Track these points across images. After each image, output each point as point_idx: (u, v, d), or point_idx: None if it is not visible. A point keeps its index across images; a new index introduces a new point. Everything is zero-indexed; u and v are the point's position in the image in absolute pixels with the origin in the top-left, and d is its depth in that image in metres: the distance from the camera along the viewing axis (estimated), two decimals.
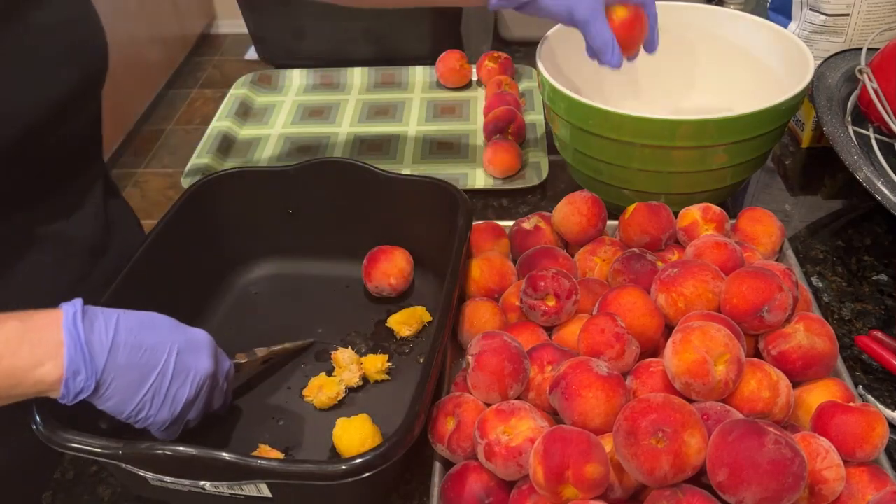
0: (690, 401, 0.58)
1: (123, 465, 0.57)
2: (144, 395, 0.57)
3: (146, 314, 0.60)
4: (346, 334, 0.80)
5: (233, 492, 0.58)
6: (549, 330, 0.72)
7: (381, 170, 0.81)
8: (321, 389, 0.72)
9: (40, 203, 0.71)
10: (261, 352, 0.74)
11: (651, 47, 0.80)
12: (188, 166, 1.05)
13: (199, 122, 3.07)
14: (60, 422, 0.57)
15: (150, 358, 0.57)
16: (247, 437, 0.70)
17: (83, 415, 0.61)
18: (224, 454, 0.54)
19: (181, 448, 0.54)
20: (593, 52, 0.78)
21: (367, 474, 0.54)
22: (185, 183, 1.02)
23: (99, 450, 0.56)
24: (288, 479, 0.55)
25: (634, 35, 0.78)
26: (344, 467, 0.53)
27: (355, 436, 0.65)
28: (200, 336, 0.62)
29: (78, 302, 0.56)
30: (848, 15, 1.06)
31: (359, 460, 0.53)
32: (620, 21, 0.77)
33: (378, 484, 0.61)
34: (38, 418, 0.57)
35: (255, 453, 0.66)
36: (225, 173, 0.84)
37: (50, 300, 0.57)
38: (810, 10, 1.09)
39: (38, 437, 0.57)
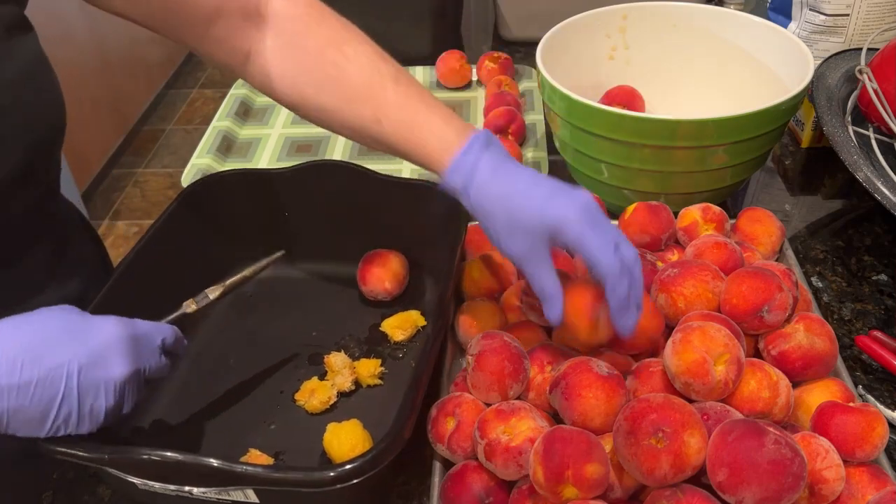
0: (690, 401, 0.58)
1: (111, 471, 0.56)
2: (53, 422, 0.52)
3: (31, 332, 0.52)
4: (340, 338, 0.80)
5: (220, 497, 0.57)
6: (549, 330, 0.72)
7: (376, 173, 0.81)
8: (313, 394, 0.72)
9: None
10: (213, 291, 0.68)
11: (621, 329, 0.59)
12: (188, 166, 1.05)
13: (199, 122, 3.07)
14: None
15: (45, 391, 0.51)
16: (237, 441, 0.69)
17: None
18: (211, 460, 0.54)
19: (168, 454, 0.54)
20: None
21: (355, 480, 0.53)
22: (185, 183, 1.02)
23: (85, 455, 0.55)
24: (275, 486, 0.55)
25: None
26: (332, 474, 0.53)
27: (346, 441, 0.65)
28: (106, 338, 0.54)
29: None
30: (848, 15, 1.06)
31: (347, 466, 0.53)
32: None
33: (368, 489, 0.60)
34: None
35: (245, 458, 0.66)
36: (220, 175, 0.83)
37: None
38: (810, 10, 1.09)
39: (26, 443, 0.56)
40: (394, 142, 0.65)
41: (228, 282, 0.70)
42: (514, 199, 0.58)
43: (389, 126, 0.64)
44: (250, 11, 0.66)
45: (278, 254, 0.74)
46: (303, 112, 0.70)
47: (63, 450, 0.56)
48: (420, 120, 0.64)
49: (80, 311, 0.56)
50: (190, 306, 0.67)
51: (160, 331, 0.61)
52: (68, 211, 0.82)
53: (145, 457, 0.54)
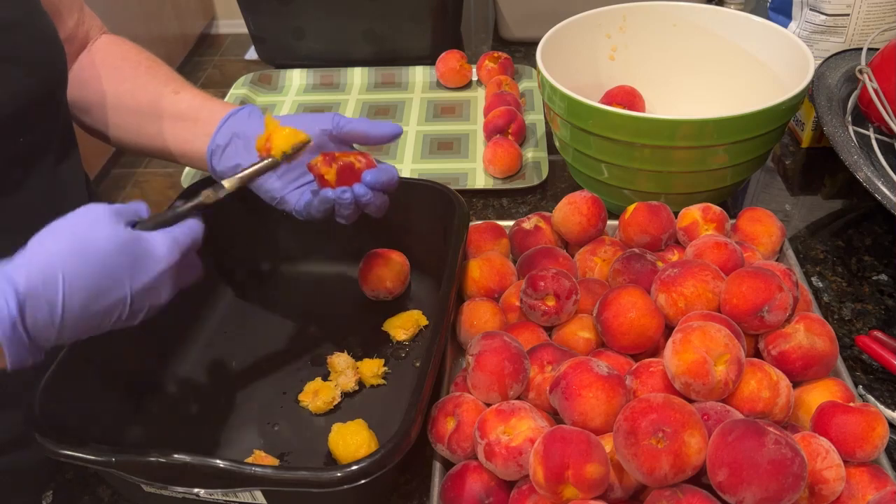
0: (690, 401, 0.58)
1: (117, 473, 0.56)
2: (103, 324, 0.54)
3: (97, 263, 0.51)
4: (342, 338, 0.80)
5: (227, 499, 0.58)
6: (549, 330, 0.72)
7: None
8: (317, 394, 0.72)
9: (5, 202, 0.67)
10: (230, 183, 0.63)
11: (367, 177, 0.68)
12: (188, 167, 1.05)
13: None
14: (53, 429, 0.57)
15: (105, 318, 0.53)
16: (242, 442, 0.69)
17: (75, 419, 0.61)
18: (218, 461, 0.54)
19: (175, 456, 0.54)
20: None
21: (362, 481, 0.53)
22: (186, 183, 1.02)
23: (92, 458, 0.55)
24: (283, 487, 0.55)
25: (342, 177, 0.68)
26: (339, 474, 0.53)
27: (351, 441, 0.65)
28: (159, 267, 0.55)
29: (11, 296, 0.48)
30: (848, 15, 1.06)
31: (354, 467, 0.53)
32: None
33: (374, 489, 0.60)
34: (33, 431, 0.57)
35: (249, 459, 0.66)
36: None
37: None
38: (810, 10, 1.09)
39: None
40: (189, 105, 0.73)
41: (244, 173, 0.64)
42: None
43: (187, 94, 0.74)
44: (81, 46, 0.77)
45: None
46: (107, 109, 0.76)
47: (70, 452, 0.56)
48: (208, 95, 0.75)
49: (131, 231, 0.55)
50: (208, 196, 0.61)
51: (194, 239, 0.59)
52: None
53: (153, 459, 0.54)
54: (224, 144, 0.69)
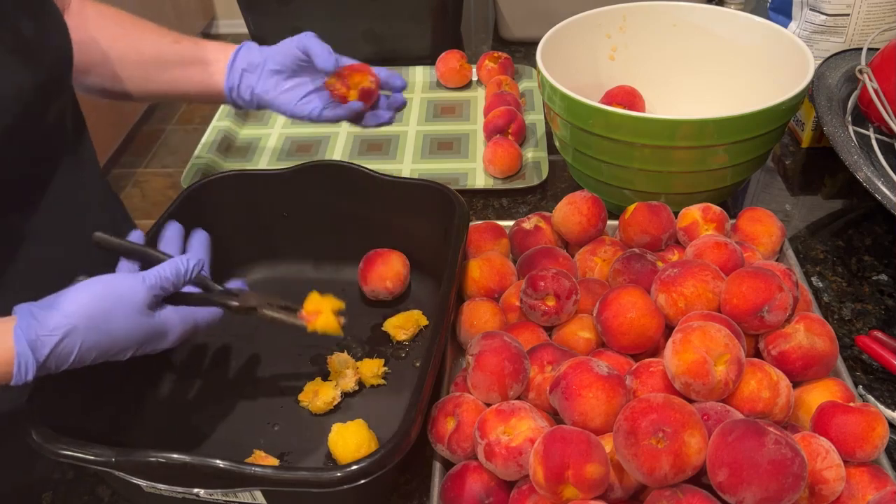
0: (690, 401, 0.58)
1: (117, 473, 0.56)
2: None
3: (114, 336, 0.58)
4: (342, 338, 0.79)
5: (227, 499, 0.57)
6: (549, 330, 0.72)
7: (376, 172, 0.81)
8: (317, 394, 0.72)
9: (32, 198, 0.71)
10: (264, 311, 0.67)
11: (397, 82, 0.84)
12: (188, 166, 1.05)
13: (199, 122, 3.06)
14: (52, 428, 0.57)
15: (110, 356, 0.59)
16: (242, 442, 0.69)
17: (74, 419, 0.61)
18: (217, 461, 0.54)
19: (175, 456, 0.54)
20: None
21: (362, 481, 0.53)
22: (185, 183, 1.02)
23: (92, 458, 0.55)
24: (282, 487, 0.55)
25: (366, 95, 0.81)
26: (339, 474, 0.53)
27: (351, 441, 0.65)
28: (163, 345, 0.62)
29: (31, 365, 0.55)
30: (848, 15, 1.06)
31: (354, 467, 0.53)
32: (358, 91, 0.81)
33: (374, 489, 0.60)
34: (30, 426, 0.57)
35: (249, 459, 0.66)
36: (219, 176, 0.83)
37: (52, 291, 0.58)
38: (810, 10, 1.09)
39: (31, 445, 0.57)
40: (192, 52, 0.84)
41: (275, 316, 0.67)
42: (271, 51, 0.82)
43: (188, 42, 0.85)
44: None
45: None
46: (115, 62, 0.83)
47: (70, 452, 0.56)
48: (201, 44, 0.86)
49: (153, 318, 0.60)
50: (238, 308, 0.66)
51: (210, 325, 0.66)
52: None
53: (153, 459, 0.54)
54: (238, 82, 0.82)
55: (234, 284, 0.69)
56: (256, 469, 0.54)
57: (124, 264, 0.65)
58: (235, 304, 0.66)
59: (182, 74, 0.84)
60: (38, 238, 0.71)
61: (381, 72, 0.82)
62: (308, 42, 0.79)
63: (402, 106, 0.85)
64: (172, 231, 0.71)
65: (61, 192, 0.73)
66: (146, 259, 0.65)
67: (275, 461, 0.67)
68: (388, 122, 0.84)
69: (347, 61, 0.80)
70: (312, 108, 0.80)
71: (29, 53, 0.66)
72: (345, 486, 0.53)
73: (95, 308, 0.56)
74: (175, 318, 0.61)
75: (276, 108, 0.82)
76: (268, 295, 0.68)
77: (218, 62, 0.83)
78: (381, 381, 0.75)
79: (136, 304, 0.58)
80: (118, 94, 0.85)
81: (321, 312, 0.68)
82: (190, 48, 0.84)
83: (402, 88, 0.84)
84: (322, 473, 0.53)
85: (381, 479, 0.55)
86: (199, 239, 0.71)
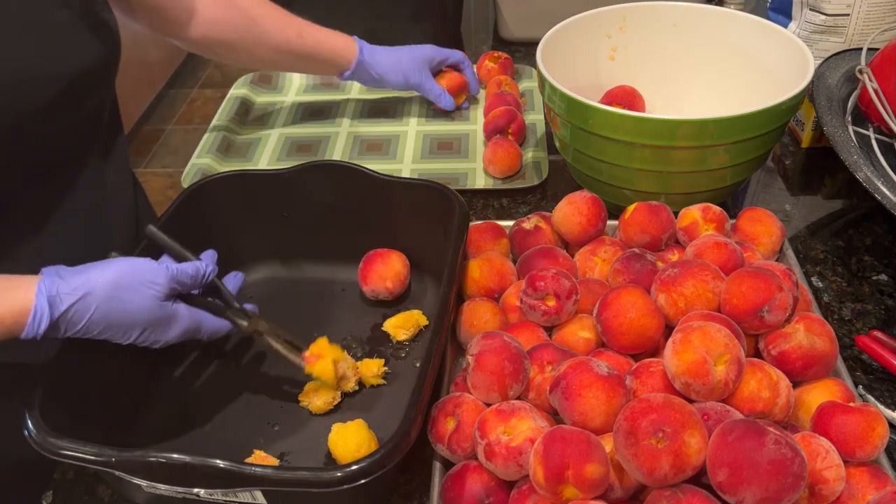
0: (690, 401, 0.58)
1: (117, 473, 0.56)
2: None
3: (134, 313, 0.61)
4: (342, 338, 0.80)
5: (227, 499, 0.58)
6: (549, 330, 0.72)
7: (376, 172, 0.81)
8: (317, 394, 0.72)
9: (56, 177, 0.73)
10: (268, 339, 0.71)
11: (472, 91, 1.17)
12: (188, 166, 1.05)
13: (199, 122, 3.06)
14: (53, 428, 0.57)
15: (116, 332, 0.62)
16: (241, 442, 0.69)
17: (75, 419, 0.61)
18: (217, 461, 0.54)
19: (174, 456, 0.54)
20: (432, 101, 1.14)
21: (362, 481, 0.53)
22: (186, 183, 1.02)
23: (92, 457, 0.55)
24: (282, 487, 0.55)
25: (457, 89, 1.14)
26: (339, 474, 0.53)
27: (351, 441, 0.65)
28: (166, 337, 0.64)
29: (45, 319, 0.57)
30: (848, 15, 1.06)
31: (354, 467, 0.53)
32: (446, 82, 1.14)
33: (374, 489, 0.60)
34: (29, 425, 0.57)
35: (249, 459, 0.66)
36: (219, 176, 0.83)
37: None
38: (810, 10, 1.09)
39: (31, 444, 0.57)
40: (315, 48, 1.03)
41: (275, 347, 0.71)
42: (400, 51, 1.10)
43: (309, 38, 1.02)
44: None
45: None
46: (239, 50, 1.00)
47: (70, 452, 0.56)
48: (327, 30, 1.05)
49: (167, 308, 0.63)
50: (245, 328, 0.70)
51: (219, 324, 0.69)
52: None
53: (152, 459, 0.54)
54: (357, 71, 1.07)
55: (250, 307, 0.72)
56: (256, 469, 0.54)
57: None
58: (245, 324, 0.69)
59: (304, 66, 1.07)
60: (56, 228, 0.73)
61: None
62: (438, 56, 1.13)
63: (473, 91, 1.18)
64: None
65: (84, 187, 0.75)
66: (175, 257, 0.70)
67: (275, 461, 0.67)
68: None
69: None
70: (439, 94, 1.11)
71: (77, 40, 0.68)
72: (345, 486, 0.53)
73: (119, 281, 0.60)
74: (185, 313, 0.65)
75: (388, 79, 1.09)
76: (277, 326, 0.71)
77: (338, 62, 1.05)
78: (381, 381, 0.75)
79: (155, 287, 0.62)
80: (249, 67, 1.13)
81: (322, 357, 0.71)
82: (311, 44, 1.02)
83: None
84: (322, 473, 0.53)
85: (381, 479, 0.55)
86: (210, 254, 0.74)
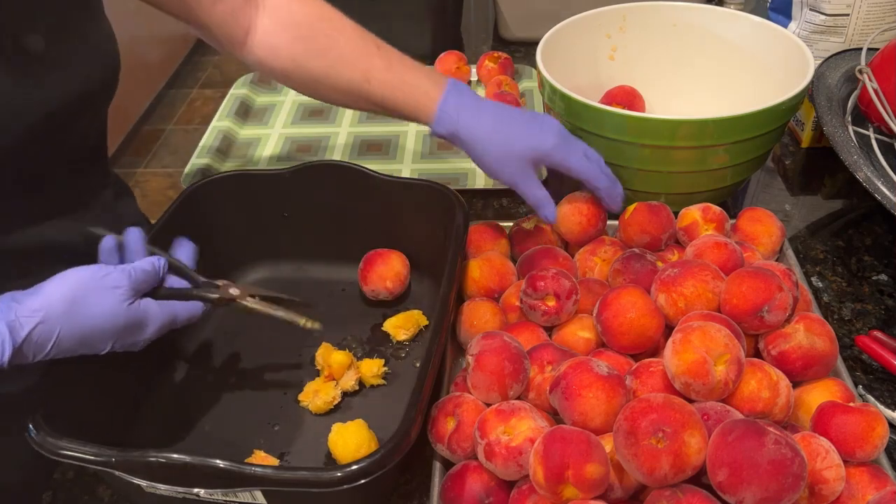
0: (690, 401, 0.58)
1: (117, 473, 0.56)
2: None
3: (91, 325, 0.57)
4: (342, 338, 0.80)
5: (227, 499, 0.57)
6: (549, 330, 0.72)
7: (376, 172, 0.81)
8: (317, 394, 0.72)
9: (43, 203, 0.71)
10: (248, 303, 0.69)
11: (614, 205, 0.80)
12: (188, 166, 1.05)
13: (199, 122, 3.06)
14: (53, 429, 0.57)
15: (88, 345, 0.59)
16: (241, 442, 0.69)
17: (74, 419, 0.61)
18: (218, 461, 0.54)
19: (175, 456, 0.54)
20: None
21: (362, 481, 0.53)
22: (186, 183, 1.02)
23: (92, 457, 0.55)
24: (283, 487, 0.55)
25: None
26: (339, 474, 0.53)
27: (351, 441, 0.65)
28: (142, 337, 0.61)
29: (8, 347, 0.54)
30: (848, 15, 1.06)
31: (354, 467, 0.53)
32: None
33: (374, 489, 0.61)
34: (30, 426, 0.57)
35: (249, 459, 0.66)
36: (219, 177, 0.83)
37: None
38: (810, 10, 1.09)
39: (31, 444, 0.57)
40: (382, 98, 0.76)
41: (256, 307, 0.69)
42: (503, 132, 0.74)
43: (377, 84, 0.75)
44: None
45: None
46: (296, 81, 0.79)
47: (70, 452, 0.56)
48: (404, 77, 0.76)
49: (130, 309, 0.60)
50: (220, 298, 0.67)
51: (189, 320, 0.65)
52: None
53: (152, 459, 0.54)
54: (442, 122, 0.75)
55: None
56: (257, 469, 0.54)
57: (105, 257, 0.65)
58: (215, 296, 0.66)
59: (383, 107, 0.77)
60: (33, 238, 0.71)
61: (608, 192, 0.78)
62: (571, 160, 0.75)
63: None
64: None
65: (61, 207, 0.72)
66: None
67: (275, 461, 0.67)
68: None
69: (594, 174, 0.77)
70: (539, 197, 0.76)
71: (70, 68, 0.65)
72: (345, 486, 0.53)
73: (76, 294, 0.57)
74: (155, 309, 0.62)
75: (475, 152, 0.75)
76: (251, 287, 0.69)
77: (425, 106, 0.75)
78: (381, 381, 0.75)
79: (117, 292, 0.58)
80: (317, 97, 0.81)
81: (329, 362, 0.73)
82: (396, 82, 0.75)
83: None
84: (322, 473, 0.53)
85: (381, 479, 0.54)
86: (183, 245, 0.71)
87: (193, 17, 0.75)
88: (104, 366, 0.67)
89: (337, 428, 0.67)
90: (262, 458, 0.66)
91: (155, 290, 0.64)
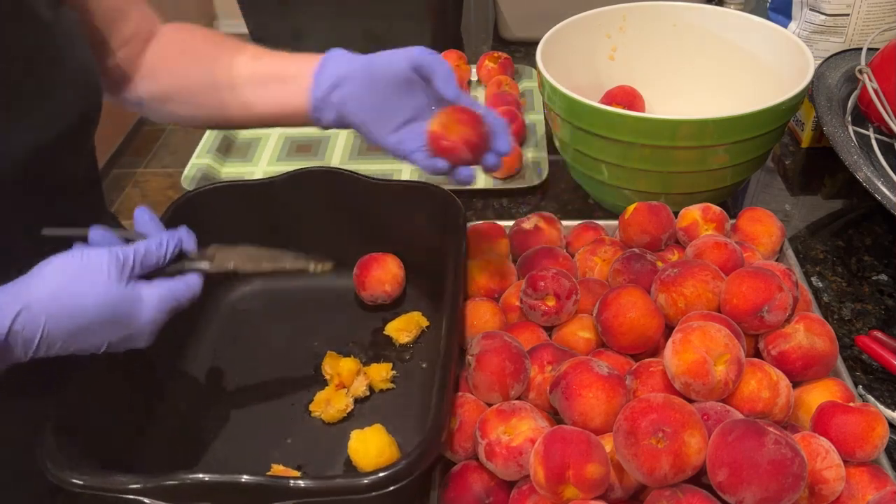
0: (690, 401, 0.58)
1: (146, 501, 0.54)
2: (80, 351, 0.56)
3: (83, 316, 0.54)
4: (345, 345, 0.79)
5: None
6: (549, 330, 0.72)
7: (368, 176, 0.80)
8: (329, 403, 0.71)
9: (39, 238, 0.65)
10: (236, 266, 0.66)
11: (503, 148, 0.68)
12: (188, 166, 1.05)
13: None
14: (65, 455, 0.55)
15: (82, 335, 0.55)
16: (257, 458, 0.68)
17: (84, 444, 0.60)
18: (252, 477, 0.53)
19: (205, 477, 0.53)
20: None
21: (397, 485, 0.53)
22: (185, 183, 1.02)
23: (119, 486, 0.54)
24: (320, 497, 0.53)
25: (470, 148, 0.66)
26: (375, 479, 0.52)
27: (372, 447, 0.64)
28: (139, 324, 0.57)
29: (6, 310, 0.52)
30: (848, 15, 1.06)
31: (388, 471, 0.52)
32: (449, 143, 0.65)
33: (404, 495, 0.60)
34: (48, 464, 0.55)
35: (269, 474, 0.65)
36: (209, 188, 0.82)
37: None
38: (810, 10, 1.09)
39: (49, 479, 0.55)
40: (263, 74, 0.72)
41: (249, 268, 0.65)
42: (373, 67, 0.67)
43: (267, 58, 0.73)
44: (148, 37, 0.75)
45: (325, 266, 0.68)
46: (178, 101, 0.75)
47: (91, 484, 0.54)
48: (283, 58, 0.72)
49: (123, 291, 0.56)
50: (215, 265, 0.64)
51: (190, 297, 0.62)
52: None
53: (185, 481, 0.53)
54: (324, 97, 0.68)
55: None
56: (292, 482, 0.53)
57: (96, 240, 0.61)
58: (206, 266, 0.63)
59: (258, 94, 0.72)
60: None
61: (495, 122, 0.67)
62: (424, 59, 0.67)
63: (493, 168, 0.68)
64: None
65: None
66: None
67: (295, 473, 0.65)
68: (468, 182, 0.68)
69: (466, 99, 0.67)
70: (408, 148, 0.67)
71: (55, 100, 0.63)
72: (383, 491, 0.53)
73: (59, 279, 0.54)
74: (147, 290, 0.58)
75: (364, 133, 0.68)
76: (245, 249, 0.66)
77: (301, 76, 0.69)
78: (391, 385, 0.74)
79: (102, 273, 0.55)
80: (201, 122, 0.77)
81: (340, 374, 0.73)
82: (268, 63, 0.72)
83: (504, 154, 0.68)
84: (357, 480, 0.53)
85: (411, 484, 0.54)
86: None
87: (98, 55, 0.71)
88: (109, 388, 0.65)
89: (356, 435, 0.66)
90: (282, 472, 0.65)
91: (147, 274, 0.59)
